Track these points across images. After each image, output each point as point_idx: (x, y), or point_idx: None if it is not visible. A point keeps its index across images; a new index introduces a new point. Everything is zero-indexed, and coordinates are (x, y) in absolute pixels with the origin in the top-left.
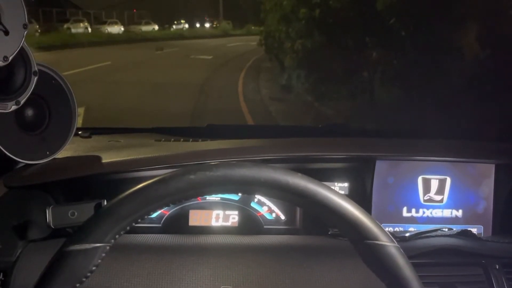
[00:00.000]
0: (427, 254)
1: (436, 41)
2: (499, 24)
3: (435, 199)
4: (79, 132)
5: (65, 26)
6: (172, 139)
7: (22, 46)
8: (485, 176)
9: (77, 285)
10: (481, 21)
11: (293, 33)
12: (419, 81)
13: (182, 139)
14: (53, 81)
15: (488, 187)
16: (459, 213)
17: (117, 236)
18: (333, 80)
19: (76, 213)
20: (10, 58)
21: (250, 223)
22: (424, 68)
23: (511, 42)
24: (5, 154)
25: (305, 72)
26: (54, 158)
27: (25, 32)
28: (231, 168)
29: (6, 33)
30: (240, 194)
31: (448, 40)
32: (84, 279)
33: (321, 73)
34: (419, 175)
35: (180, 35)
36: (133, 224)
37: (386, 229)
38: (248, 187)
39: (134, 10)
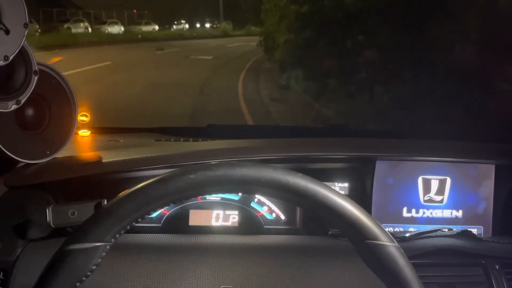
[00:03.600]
0: (427, 255)
1: (426, 40)
2: (490, 23)
3: (435, 200)
4: (79, 132)
5: (65, 26)
6: (172, 139)
7: (22, 46)
8: (485, 177)
9: (77, 284)
10: (472, 20)
11: (284, 28)
12: (410, 80)
13: (182, 139)
14: (54, 81)
15: (488, 188)
16: (459, 213)
17: (117, 235)
18: (327, 78)
19: (76, 213)
20: (11, 58)
21: (250, 223)
22: (415, 67)
23: (503, 41)
24: (6, 153)
25: (301, 71)
26: (54, 158)
27: (26, 32)
28: (231, 167)
29: (7, 32)
30: (240, 194)
31: (438, 39)
32: (84, 278)
33: (315, 71)
34: (419, 176)
35: (180, 36)
36: (133, 223)
37: (386, 229)
38: (249, 187)
39: (135, 10)
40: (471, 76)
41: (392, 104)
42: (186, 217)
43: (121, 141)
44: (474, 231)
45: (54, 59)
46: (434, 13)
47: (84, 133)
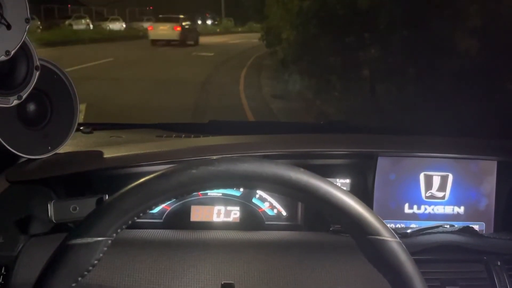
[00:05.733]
0: (428, 251)
1: (431, 38)
2: (493, 20)
3: (437, 196)
4: (81, 128)
5: (67, 22)
6: (174, 135)
7: (24, 41)
8: (487, 173)
9: (79, 279)
10: (475, 18)
11: (287, 24)
12: (415, 77)
13: (183, 135)
14: (55, 76)
15: (490, 184)
16: (461, 209)
17: (119, 230)
18: (329, 75)
19: (78, 208)
20: (12, 53)
21: (252, 219)
22: (419, 64)
23: (504, 38)
24: (7, 148)
25: (303, 67)
26: (56, 153)
27: (27, 27)
28: (233, 162)
29: (8, 27)
30: (241, 190)
31: (442, 37)
32: (86, 273)
33: (316, 68)
34: (421, 172)
35: None
36: (135, 218)
37: (388, 225)
38: (250, 182)
39: (137, 7)
40: (474, 73)
41: (393, 101)
42: (187, 212)
43: (123, 137)
44: (476, 227)
45: None
46: (437, 10)
47: (85, 129)
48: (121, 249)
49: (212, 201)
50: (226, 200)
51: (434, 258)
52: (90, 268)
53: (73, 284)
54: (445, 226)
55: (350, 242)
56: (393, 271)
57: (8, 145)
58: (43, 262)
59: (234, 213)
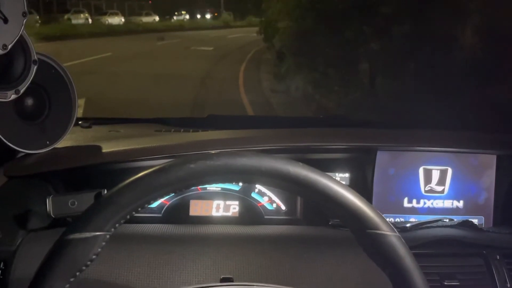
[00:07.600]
0: (428, 245)
1: (434, 31)
2: (497, 14)
3: (436, 190)
4: (79, 122)
5: (66, 16)
6: (172, 130)
7: (21, 35)
8: (486, 167)
9: (77, 273)
10: (479, 11)
11: (285, 16)
12: (416, 71)
13: (182, 130)
14: (53, 71)
15: (489, 178)
16: (460, 203)
17: (117, 225)
18: (329, 69)
19: (76, 203)
20: (10, 47)
21: (251, 213)
22: (421, 58)
23: (508, 32)
24: (5, 143)
25: (301, 61)
26: (54, 148)
27: (25, 20)
28: (231, 157)
29: (5, 21)
30: (240, 184)
31: (445, 29)
32: (84, 268)
33: (315, 62)
34: (420, 166)
35: (181, 26)
36: (133, 213)
37: (387, 219)
38: (249, 176)
39: (136, 1)
40: (474, 66)
41: (393, 95)
42: (186, 207)
43: (121, 131)
44: (475, 221)
45: None
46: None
47: (84, 124)
48: (120, 244)
49: (211, 196)
50: (225, 195)
51: (433, 252)
52: (89, 262)
53: (71, 279)
54: (445, 220)
55: (349, 236)
56: (392, 265)
57: (6, 140)
58: (41, 257)
59: (233, 208)
